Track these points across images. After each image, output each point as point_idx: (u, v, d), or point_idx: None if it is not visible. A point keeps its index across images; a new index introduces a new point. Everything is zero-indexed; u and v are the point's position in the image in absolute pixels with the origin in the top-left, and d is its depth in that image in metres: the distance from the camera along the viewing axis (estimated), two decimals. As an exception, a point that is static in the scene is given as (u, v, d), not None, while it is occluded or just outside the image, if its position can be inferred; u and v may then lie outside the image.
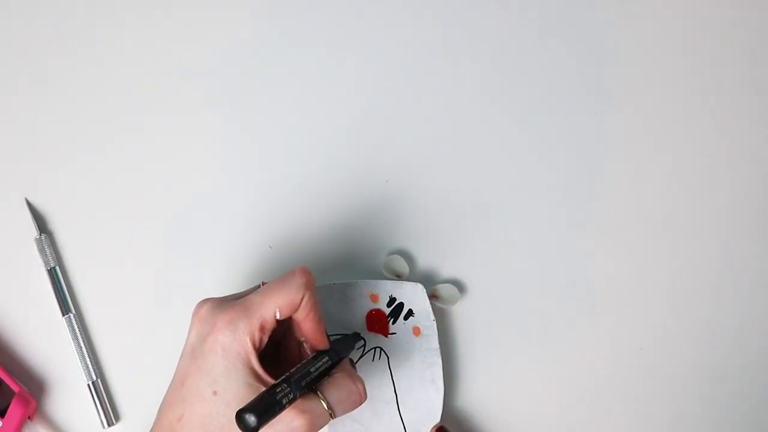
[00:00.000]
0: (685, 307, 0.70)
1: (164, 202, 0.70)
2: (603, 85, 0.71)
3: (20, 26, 0.71)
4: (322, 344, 0.59)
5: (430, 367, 0.67)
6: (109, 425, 0.68)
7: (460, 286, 0.69)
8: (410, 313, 0.67)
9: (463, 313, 0.69)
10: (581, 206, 0.70)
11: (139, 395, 0.69)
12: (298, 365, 0.56)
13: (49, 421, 0.68)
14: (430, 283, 0.69)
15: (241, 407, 0.51)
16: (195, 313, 0.57)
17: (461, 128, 0.71)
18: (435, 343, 0.67)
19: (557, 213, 0.70)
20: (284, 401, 0.53)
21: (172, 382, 0.57)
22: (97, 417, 0.68)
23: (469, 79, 0.71)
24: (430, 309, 0.67)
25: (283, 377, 0.54)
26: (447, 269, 0.70)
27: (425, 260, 0.70)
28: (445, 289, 0.69)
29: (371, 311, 0.67)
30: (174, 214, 0.70)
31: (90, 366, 0.68)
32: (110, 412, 0.68)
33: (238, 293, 0.60)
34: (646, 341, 0.70)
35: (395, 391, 0.67)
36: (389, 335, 0.67)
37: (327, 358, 0.58)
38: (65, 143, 0.70)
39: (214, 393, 0.54)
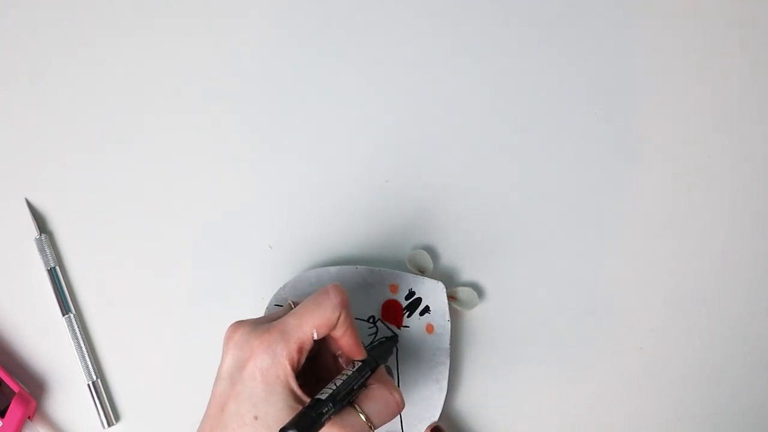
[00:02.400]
0: (685, 308, 0.70)
1: (164, 202, 0.70)
2: (628, 88, 0.71)
3: (20, 26, 0.71)
4: (360, 355, 0.59)
5: (437, 366, 0.67)
6: (109, 425, 0.68)
7: (479, 291, 0.69)
8: (426, 309, 0.67)
9: (477, 317, 0.69)
10: (581, 209, 0.70)
11: (139, 395, 0.69)
12: (335, 378, 0.56)
13: (49, 421, 0.68)
14: (450, 283, 0.69)
15: (282, 426, 0.52)
16: (228, 338, 0.57)
17: (505, 133, 0.71)
18: (446, 343, 0.67)
19: (570, 221, 0.70)
20: (324, 416, 0.53)
21: (208, 407, 0.57)
22: (97, 417, 0.68)
23: (502, 83, 0.71)
24: (447, 309, 0.67)
25: (322, 392, 0.54)
26: (469, 272, 0.69)
27: (449, 260, 0.70)
28: (464, 293, 0.68)
29: (389, 300, 0.67)
30: (174, 214, 0.70)
31: (90, 366, 0.68)
32: (110, 412, 0.68)
33: (268, 315, 0.59)
34: (646, 341, 0.70)
35: (398, 384, 0.67)
36: (402, 327, 0.67)
37: (366, 370, 0.58)
38: (65, 143, 0.70)
39: (255, 418, 0.54)
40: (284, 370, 0.55)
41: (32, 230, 0.69)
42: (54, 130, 0.70)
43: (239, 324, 0.57)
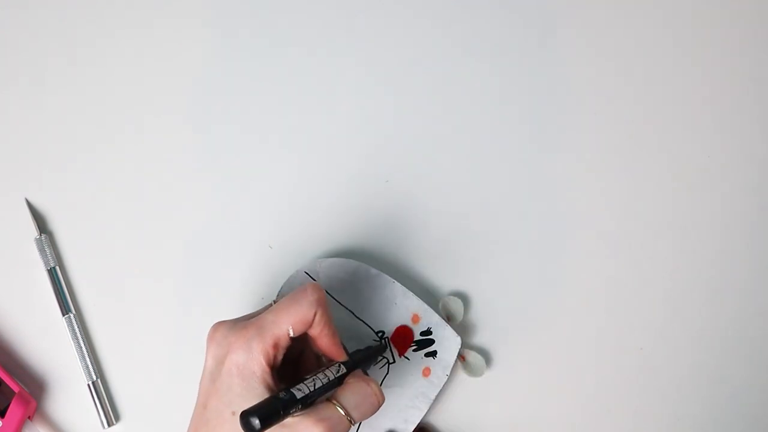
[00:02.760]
0: (685, 308, 0.70)
1: (164, 202, 0.70)
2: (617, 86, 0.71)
3: (20, 26, 0.71)
4: (340, 357, 0.59)
5: (412, 410, 0.66)
6: (109, 425, 0.68)
7: (487, 357, 0.69)
8: (433, 354, 0.67)
9: (476, 318, 0.69)
10: (581, 209, 0.70)
11: (139, 395, 0.69)
12: (311, 374, 0.56)
13: (49, 421, 0.68)
14: (465, 339, 0.69)
15: (245, 409, 0.52)
16: (210, 337, 0.57)
17: (504, 133, 0.71)
18: (433, 394, 0.66)
19: (570, 221, 0.70)
20: (292, 407, 0.53)
21: (195, 406, 0.57)
22: (97, 417, 0.68)
23: (504, 83, 0.71)
24: (452, 365, 0.66)
25: (296, 386, 0.54)
26: (480, 337, 0.69)
27: (477, 312, 0.69)
28: (475, 359, 0.68)
29: (405, 327, 0.67)
30: (174, 214, 0.70)
31: (90, 366, 0.68)
32: (110, 412, 0.68)
33: (250, 314, 0.60)
34: (646, 341, 0.70)
35: None
36: (403, 357, 0.67)
37: (340, 365, 0.58)
38: (65, 143, 0.70)
39: (233, 413, 0.55)
40: (260, 366, 0.55)
41: (32, 230, 0.69)
42: (54, 130, 0.70)
43: (220, 323, 0.58)
